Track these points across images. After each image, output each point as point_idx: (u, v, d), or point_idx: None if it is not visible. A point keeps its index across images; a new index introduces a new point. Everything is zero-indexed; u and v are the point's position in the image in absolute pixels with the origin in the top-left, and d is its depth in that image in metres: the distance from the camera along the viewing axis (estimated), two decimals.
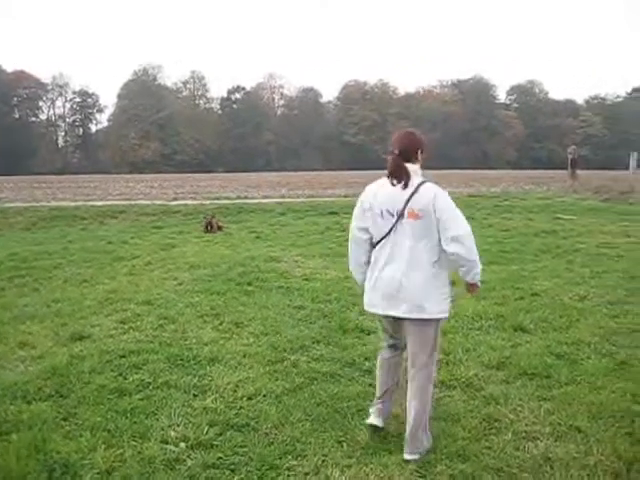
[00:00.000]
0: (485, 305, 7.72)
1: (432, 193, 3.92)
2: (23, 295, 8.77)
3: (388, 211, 3.98)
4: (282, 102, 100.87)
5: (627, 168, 27.03)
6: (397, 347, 4.36)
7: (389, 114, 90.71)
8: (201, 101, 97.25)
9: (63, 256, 11.94)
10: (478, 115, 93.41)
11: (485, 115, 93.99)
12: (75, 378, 5.35)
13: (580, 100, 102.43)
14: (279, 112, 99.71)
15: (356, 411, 4.33)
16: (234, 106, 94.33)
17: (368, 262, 4.22)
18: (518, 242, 13.07)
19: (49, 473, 3.77)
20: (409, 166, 4.00)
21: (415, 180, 3.97)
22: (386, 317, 4.18)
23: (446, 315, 4.11)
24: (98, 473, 3.78)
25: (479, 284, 4.15)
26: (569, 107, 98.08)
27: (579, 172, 29.31)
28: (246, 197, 24.01)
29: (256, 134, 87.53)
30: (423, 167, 4.13)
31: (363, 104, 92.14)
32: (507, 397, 4.94)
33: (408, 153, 4.04)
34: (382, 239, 4.05)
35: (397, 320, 4.12)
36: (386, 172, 4.09)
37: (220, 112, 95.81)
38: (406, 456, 3.96)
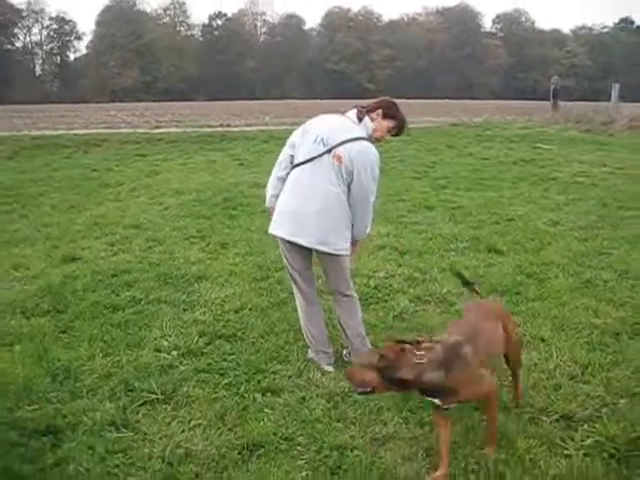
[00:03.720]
0: (461, 228, 8.07)
1: (366, 150, 4.04)
2: (12, 221, 8.94)
3: (322, 140, 4.05)
4: (264, 29, 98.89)
5: (610, 99, 27.04)
6: (309, 282, 4.40)
7: (373, 42, 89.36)
8: (182, 28, 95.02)
9: (49, 184, 12.03)
10: (463, 43, 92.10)
11: (470, 44, 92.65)
12: (70, 295, 5.63)
13: (566, 30, 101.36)
14: (262, 39, 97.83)
15: (337, 322, 4.61)
16: (215, 33, 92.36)
17: (283, 180, 4.30)
18: (497, 170, 13.34)
19: (52, 377, 4.08)
20: (368, 118, 4.19)
21: (362, 132, 4.11)
22: (290, 243, 4.19)
23: (348, 253, 4.21)
24: (98, 377, 4.10)
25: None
26: (555, 37, 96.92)
27: (561, 103, 29.34)
28: (229, 125, 23.96)
29: (238, 62, 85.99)
30: (391, 132, 4.31)
31: (347, 31, 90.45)
32: None
33: (371, 105, 4.26)
34: (302, 163, 4.13)
35: (302, 248, 4.19)
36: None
37: (201, 39, 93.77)
38: None
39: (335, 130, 4.09)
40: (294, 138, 4.29)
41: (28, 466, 3.14)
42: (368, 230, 4.26)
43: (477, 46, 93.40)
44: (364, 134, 4.12)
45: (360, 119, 4.17)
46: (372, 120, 4.20)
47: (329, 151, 4.02)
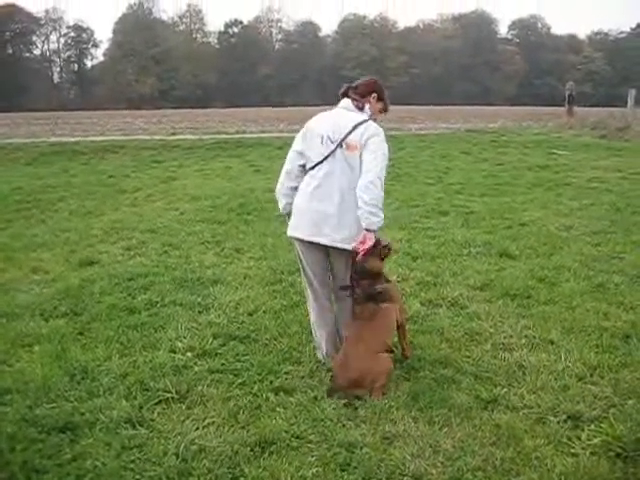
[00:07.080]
0: (474, 233, 8.12)
1: (375, 128, 4.11)
2: (31, 226, 9.11)
3: (329, 137, 4.10)
4: (280, 36, 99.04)
5: (626, 105, 26.92)
6: (324, 285, 4.42)
7: (388, 49, 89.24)
8: (198, 35, 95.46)
9: (66, 189, 12.24)
10: (479, 50, 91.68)
11: (486, 50, 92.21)
12: (87, 298, 5.75)
13: (582, 35, 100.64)
14: (277, 46, 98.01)
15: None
16: (232, 40, 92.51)
17: (295, 189, 4.33)
18: (511, 175, 13.38)
19: (70, 377, 4.18)
20: (368, 106, 4.30)
21: (364, 116, 4.20)
22: (310, 244, 4.22)
23: None
24: (114, 377, 4.19)
25: (372, 237, 3.98)
26: (571, 43, 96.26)
27: (576, 108, 29.27)
28: (244, 132, 24.10)
29: (254, 69, 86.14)
30: (382, 112, 4.47)
31: (362, 38, 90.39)
32: (489, 314, 5.35)
33: (363, 89, 4.35)
34: (317, 165, 4.15)
35: (319, 249, 4.23)
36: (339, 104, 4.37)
37: (218, 47, 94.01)
38: None
39: (337, 124, 4.15)
40: (298, 146, 4.32)
41: (46, 461, 3.24)
42: (378, 217, 3.95)
43: (493, 52, 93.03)
44: (366, 117, 4.21)
45: (360, 108, 4.25)
46: (370, 104, 4.32)
47: (340, 145, 4.08)
